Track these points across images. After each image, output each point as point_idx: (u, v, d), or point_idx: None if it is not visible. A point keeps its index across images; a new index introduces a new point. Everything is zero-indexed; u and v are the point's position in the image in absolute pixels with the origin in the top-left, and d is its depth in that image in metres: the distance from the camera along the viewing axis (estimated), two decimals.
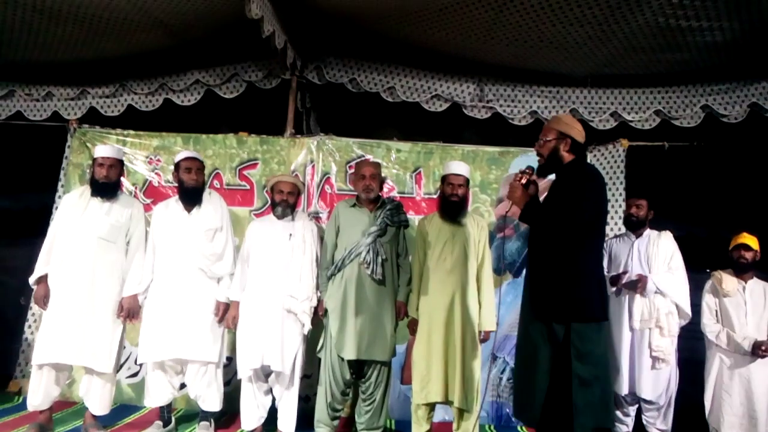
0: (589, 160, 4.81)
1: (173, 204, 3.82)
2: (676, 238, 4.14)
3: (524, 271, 4.47)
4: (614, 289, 4.00)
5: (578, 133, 2.85)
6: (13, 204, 5.83)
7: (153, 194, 4.77)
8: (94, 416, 3.68)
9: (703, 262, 4.28)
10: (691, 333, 4.10)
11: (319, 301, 3.69)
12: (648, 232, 4.12)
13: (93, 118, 5.06)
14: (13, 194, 5.71)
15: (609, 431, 2.83)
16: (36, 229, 5.16)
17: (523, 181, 2.87)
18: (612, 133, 4.88)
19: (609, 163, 4.83)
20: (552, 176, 2.98)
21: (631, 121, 4.87)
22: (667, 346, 3.90)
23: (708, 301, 4.00)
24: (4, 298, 5.31)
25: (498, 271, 4.59)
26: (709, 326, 3.91)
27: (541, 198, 2.96)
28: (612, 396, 2.92)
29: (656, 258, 4.02)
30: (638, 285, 3.90)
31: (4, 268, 5.49)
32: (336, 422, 3.66)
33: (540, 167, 2.90)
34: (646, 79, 4.77)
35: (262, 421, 3.70)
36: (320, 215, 4.67)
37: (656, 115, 4.85)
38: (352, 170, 4.70)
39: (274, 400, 3.72)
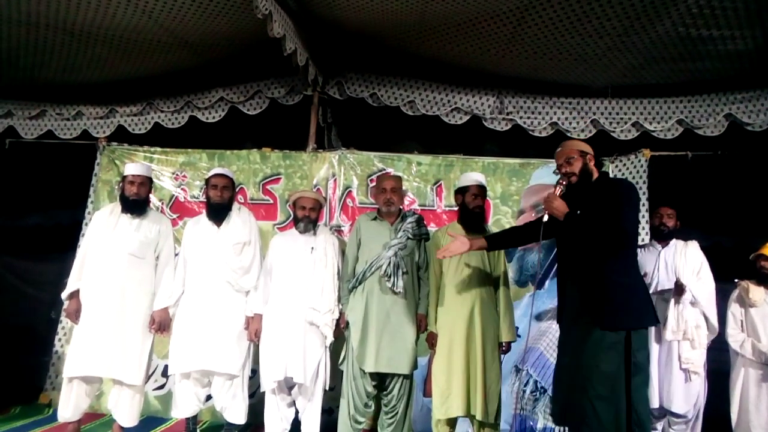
0: (611, 171, 4.83)
1: (203, 219, 3.90)
2: (703, 249, 4.09)
3: (547, 282, 4.54)
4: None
5: (592, 150, 3.03)
6: (44, 220, 5.97)
7: (179, 209, 4.88)
8: (122, 428, 3.75)
9: (729, 272, 4.21)
10: (716, 344, 4.04)
11: (341, 313, 3.72)
12: (674, 242, 4.08)
13: (121, 135, 5.21)
14: (44, 211, 5.85)
15: None
16: (66, 245, 5.32)
17: (558, 192, 2.95)
18: (634, 144, 4.86)
19: (631, 174, 4.80)
20: None
21: (653, 131, 4.83)
22: (697, 359, 3.85)
23: (734, 310, 3.95)
24: (35, 312, 5.42)
25: (520, 282, 4.59)
26: (734, 336, 3.85)
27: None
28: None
29: (684, 268, 3.97)
30: (675, 291, 3.85)
31: (36, 283, 5.61)
32: None
33: (572, 186, 2.97)
34: (667, 88, 4.75)
35: None
36: (342, 228, 4.72)
37: (679, 124, 4.81)
38: (374, 184, 4.75)
39: (297, 412, 3.75)
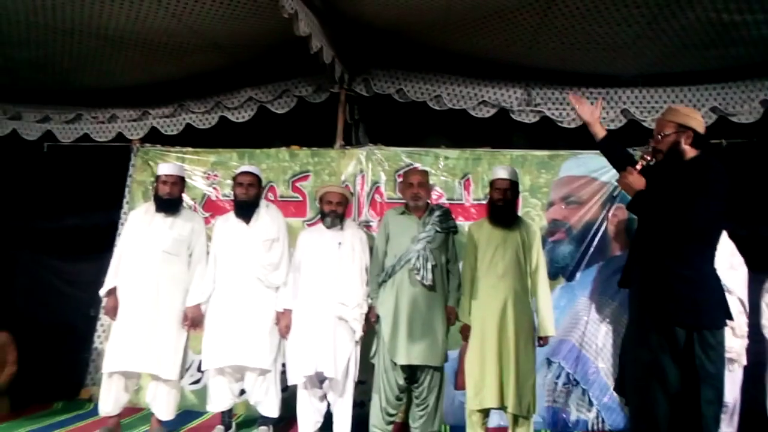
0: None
1: (232, 217, 3.98)
2: (740, 238, 4.01)
3: (578, 274, 4.50)
4: None
5: (699, 124, 2.67)
6: (82, 221, 6.11)
7: (211, 208, 4.97)
8: (159, 421, 3.86)
9: (766, 261, 4.12)
10: (752, 336, 3.95)
11: (371, 307, 3.75)
12: None
13: (154, 137, 5.33)
14: (81, 212, 5.99)
15: None
16: (103, 245, 5.45)
17: (639, 167, 2.69)
18: None
19: None
20: None
21: None
22: (740, 347, 3.79)
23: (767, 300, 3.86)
24: (75, 310, 5.55)
25: (551, 275, 4.55)
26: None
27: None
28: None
29: (718, 256, 3.90)
30: None
31: (75, 283, 5.74)
32: (390, 427, 3.71)
33: (658, 164, 2.70)
34: (699, 75, 4.64)
35: (319, 425, 3.79)
36: (371, 224, 4.75)
37: (712, 112, 4.69)
38: (401, 179, 4.77)
39: (329, 404, 3.80)
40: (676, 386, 2.52)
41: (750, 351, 3.93)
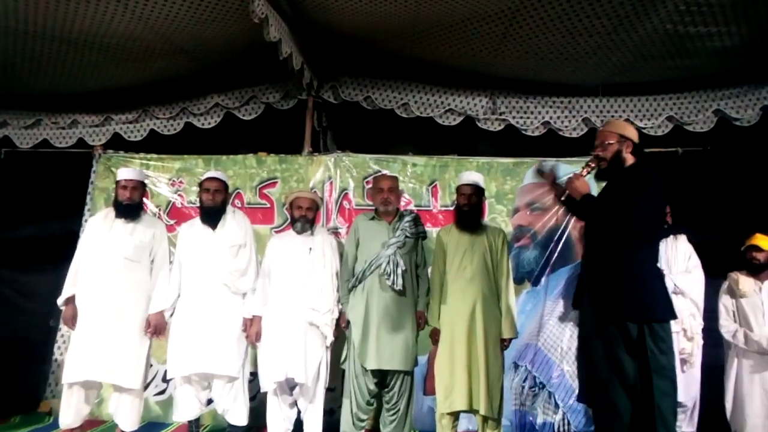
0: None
1: (198, 223, 3.93)
2: (694, 245, 4.17)
3: (543, 278, 4.59)
4: None
5: (636, 136, 2.91)
6: (38, 231, 5.94)
7: (176, 215, 4.89)
8: None
9: (720, 267, 4.28)
10: (709, 339, 4.09)
11: (341, 313, 3.75)
12: (666, 237, 4.15)
13: (117, 143, 5.22)
14: (37, 222, 5.82)
15: None
16: (61, 256, 5.29)
17: (584, 173, 2.90)
18: None
19: None
20: None
21: (644, 128, 4.88)
22: (693, 348, 3.91)
23: (725, 302, 4.02)
24: (30, 323, 5.40)
25: (516, 279, 4.63)
26: (726, 326, 3.91)
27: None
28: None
29: (675, 260, 4.05)
30: None
31: (30, 295, 5.59)
32: None
33: (601, 170, 2.91)
34: (657, 86, 4.82)
35: None
36: (339, 230, 4.75)
37: (668, 121, 4.88)
38: (370, 185, 4.79)
39: (299, 412, 3.77)
40: (633, 379, 2.65)
41: (708, 354, 4.08)
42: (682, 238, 4.15)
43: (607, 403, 2.70)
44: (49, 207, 5.63)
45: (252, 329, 3.75)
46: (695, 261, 4.10)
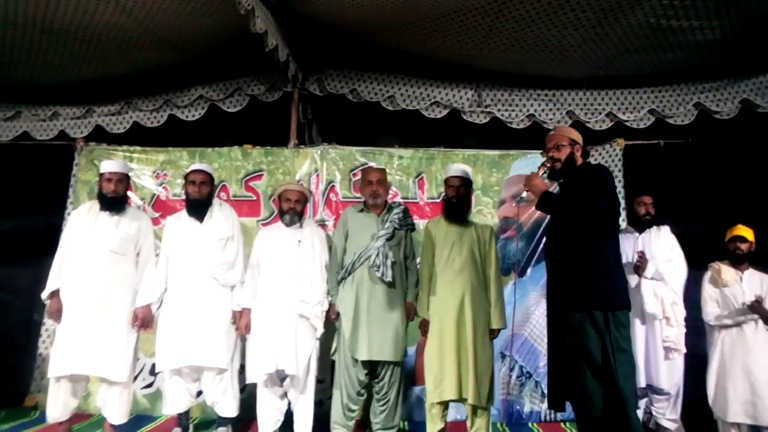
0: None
1: (184, 216, 3.90)
2: (677, 236, 4.25)
3: (529, 269, 4.64)
4: (635, 279, 4.07)
5: (582, 139, 3.19)
6: (18, 225, 5.86)
7: (161, 208, 4.86)
8: (113, 426, 3.73)
9: (702, 257, 4.36)
10: (692, 329, 4.17)
11: (331, 305, 3.76)
12: (650, 228, 4.23)
13: (99, 136, 5.15)
14: (17, 216, 5.74)
15: None
16: (41, 250, 5.22)
17: (540, 172, 3.11)
18: (608, 133, 4.99)
19: (606, 163, 4.94)
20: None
21: (627, 121, 4.97)
22: (677, 336, 4.00)
23: (708, 291, 4.09)
24: (11, 318, 5.36)
25: (503, 271, 4.67)
26: (711, 312, 3.98)
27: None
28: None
29: (658, 251, 4.13)
30: (639, 265, 4.01)
31: (10, 289, 5.56)
32: (351, 423, 3.71)
33: (555, 171, 3.13)
34: (639, 79, 4.89)
35: (279, 424, 3.76)
36: (326, 223, 4.76)
37: (650, 114, 4.96)
38: (356, 177, 4.80)
39: (289, 404, 3.78)
40: (600, 363, 2.79)
41: (690, 343, 4.16)
42: (665, 229, 4.23)
43: (581, 389, 2.82)
44: (29, 201, 5.56)
45: (241, 321, 3.74)
46: (677, 251, 4.18)
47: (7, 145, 5.22)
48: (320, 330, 3.70)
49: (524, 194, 3.18)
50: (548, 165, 3.12)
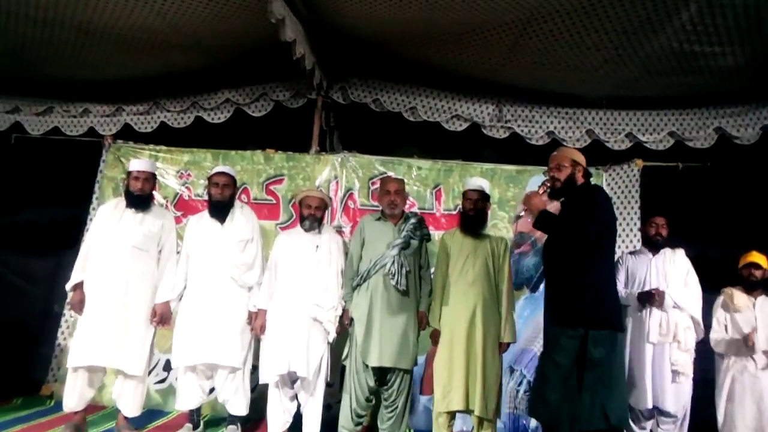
0: (604, 180, 5.00)
1: (206, 216, 4.00)
2: (691, 259, 4.25)
3: (542, 285, 4.67)
4: (639, 306, 4.09)
5: (584, 161, 3.29)
6: (40, 216, 5.98)
7: (183, 207, 4.97)
8: (126, 418, 3.83)
9: (716, 281, 4.36)
10: (701, 353, 4.17)
11: (345, 310, 3.83)
12: (664, 250, 4.23)
13: (127, 134, 5.29)
14: (41, 207, 5.86)
15: None
16: (62, 242, 5.38)
17: (541, 191, 3.22)
18: (627, 154, 5.02)
19: (624, 183, 4.97)
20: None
21: (646, 142, 4.99)
22: (686, 360, 4.00)
23: (718, 316, 4.10)
24: (31, 307, 5.46)
25: (515, 285, 4.71)
26: (715, 338, 3.99)
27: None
28: (623, 400, 3.11)
29: (673, 274, 4.13)
30: (655, 299, 4.00)
31: (31, 279, 5.66)
32: (359, 428, 3.77)
33: (556, 190, 3.23)
34: (660, 101, 4.91)
35: (288, 425, 3.82)
36: (343, 230, 4.83)
37: (670, 136, 4.97)
38: (375, 186, 4.87)
39: (299, 406, 3.85)
40: (564, 378, 2.93)
41: (700, 367, 4.15)
42: (680, 252, 4.23)
43: (541, 398, 3.00)
44: (54, 193, 5.68)
45: (257, 322, 3.82)
46: (693, 276, 4.17)
47: (38, 139, 5.37)
48: (333, 335, 3.77)
49: (521, 212, 3.26)
50: (548, 184, 3.23)
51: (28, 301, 5.51)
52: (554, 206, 3.40)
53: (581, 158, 3.25)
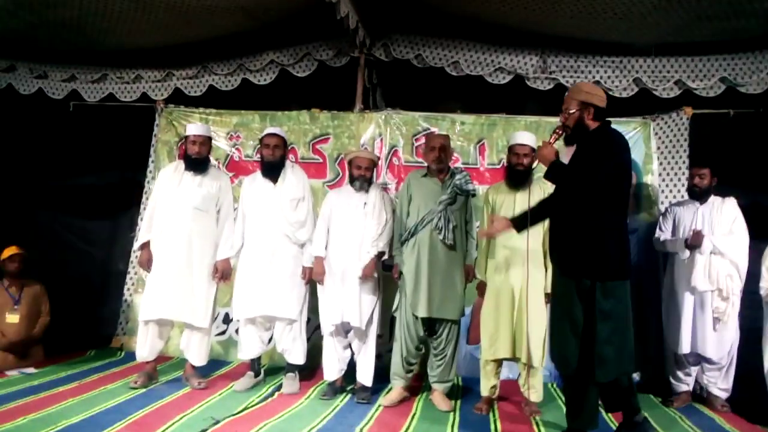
0: (652, 129, 4.93)
1: (260, 177, 4.16)
2: (742, 207, 4.19)
3: None
4: (687, 252, 4.10)
5: (600, 100, 3.00)
6: (97, 180, 6.18)
7: (234, 168, 5.16)
8: (194, 367, 4.11)
9: (764, 230, 4.30)
10: (750, 302, 4.15)
11: (394, 264, 3.97)
12: (712, 199, 4.19)
13: (177, 98, 5.46)
14: (98, 172, 6.05)
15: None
16: (118, 205, 5.65)
17: (552, 140, 3.06)
18: (676, 101, 4.92)
19: (672, 132, 4.90)
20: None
21: (696, 89, 4.85)
22: (728, 308, 4.01)
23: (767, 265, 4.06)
24: (90, 267, 5.75)
25: None
26: (765, 287, 3.95)
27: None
28: (632, 347, 3.04)
29: (719, 223, 4.10)
30: (698, 240, 4.00)
31: (90, 241, 5.93)
32: (410, 375, 3.96)
33: (567, 137, 3.06)
34: (710, 46, 4.75)
35: (342, 373, 4.05)
36: (388, 186, 4.94)
37: (721, 82, 4.81)
38: (419, 142, 4.94)
39: (352, 355, 4.06)
40: (582, 328, 2.89)
41: (748, 316, 4.15)
42: (730, 201, 4.17)
43: (561, 350, 2.99)
44: (111, 158, 5.88)
45: (316, 269, 3.99)
46: (740, 223, 4.12)
47: (95, 106, 5.58)
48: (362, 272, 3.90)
49: (534, 164, 3.15)
50: (559, 132, 3.05)
51: (89, 262, 5.78)
52: (570, 154, 3.27)
53: (592, 96, 2.98)
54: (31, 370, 4.32)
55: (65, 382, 4.01)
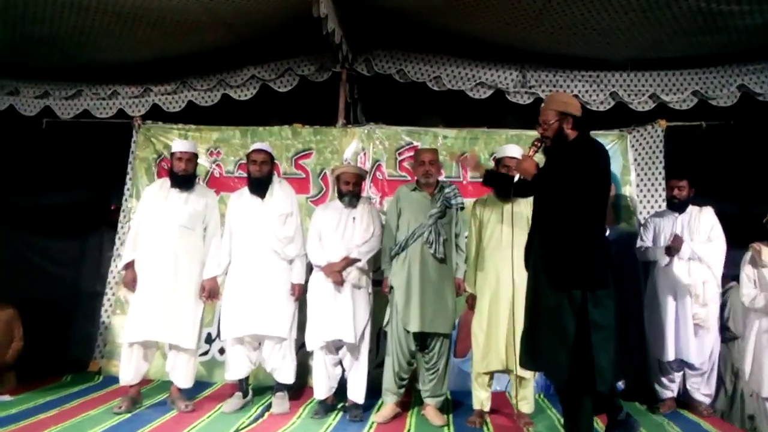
0: (628, 142, 5.06)
1: (247, 193, 4.11)
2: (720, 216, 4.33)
3: None
4: (667, 259, 4.20)
5: (576, 109, 3.02)
6: (62, 198, 5.91)
7: (215, 185, 5.06)
8: (180, 389, 4.00)
9: (737, 238, 4.43)
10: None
11: (384, 279, 3.95)
12: (690, 209, 4.31)
13: (155, 114, 5.36)
14: (63, 189, 5.81)
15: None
16: (87, 225, 5.48)
17: (531, 153, 3.07)
18: (651, 114, 5.06)
19: (648, 143, 5.02)
20: None
21: (669, 102, 5.02)
22: (705, 314, 4.11)
23: (747, 272, 4.14)
24: (58, 288, 5.51)
25: None
26: (747, 294, 4.06)
27: None
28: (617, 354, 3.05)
29: (698, 231, 4.22)
30: (676, 244, 4.10)
31: (57, 261, 5.71)
32: (402, 390, 3.93)
33: (547, 149, 3.06)
34: (683, 61, 4.92)
35: (333, 391, 4.00)
36: (372, 200, 4.91)
37: (694, 95, 4.99)
38: (402, 157, 4.96)
39: (343, 372, 4.00)
40: (573, 339, 2.88)
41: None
42: (707, 210, 4.30)
43: (553, 362, 2.96)
44: (83, 176, 5.71)
45: (326, 269, 3.90)
46: (718, 231, 4.24)
47: (69, 123, 5.43)
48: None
49: (516, 177, 3.11)
50: (538, 144, 3.06)
51: (56, 283, 5.56)
52: None
53: (569, 106, 2.98)
54: (7, 397, 4.13)
55: (45, 410, 3.85)
